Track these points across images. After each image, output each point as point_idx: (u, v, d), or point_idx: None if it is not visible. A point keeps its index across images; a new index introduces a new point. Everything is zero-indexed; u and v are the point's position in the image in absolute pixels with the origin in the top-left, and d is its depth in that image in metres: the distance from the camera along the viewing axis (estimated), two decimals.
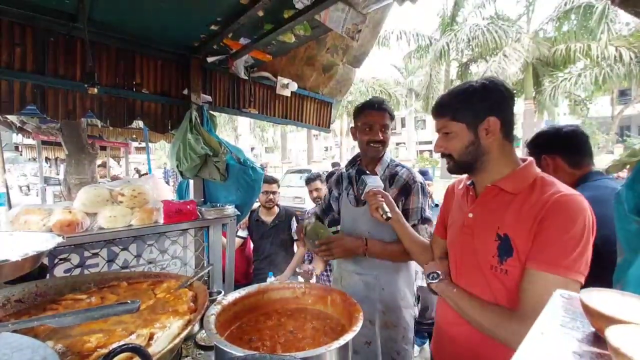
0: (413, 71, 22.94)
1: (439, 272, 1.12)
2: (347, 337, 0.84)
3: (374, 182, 1.45)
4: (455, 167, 1.08)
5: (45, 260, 1.45)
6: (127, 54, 1.98)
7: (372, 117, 1.61)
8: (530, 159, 1.05)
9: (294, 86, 2.63)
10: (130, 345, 0.61)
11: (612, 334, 0.36)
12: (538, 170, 1.00)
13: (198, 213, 1.91)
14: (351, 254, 1.53)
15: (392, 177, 1.63)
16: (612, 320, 0.40)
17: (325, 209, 1.92)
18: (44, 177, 6.24)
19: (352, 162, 1.81)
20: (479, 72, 16.83)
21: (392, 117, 1.65)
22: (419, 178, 1.62)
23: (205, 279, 2.03)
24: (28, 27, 1.64)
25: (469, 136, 1.02)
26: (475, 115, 1.00)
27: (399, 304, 1.58)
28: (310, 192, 3.28)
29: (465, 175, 1.16)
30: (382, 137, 1.60)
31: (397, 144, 35.83)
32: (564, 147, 1.49)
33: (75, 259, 1.59)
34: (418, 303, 1.84)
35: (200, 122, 2.14)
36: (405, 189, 1.59)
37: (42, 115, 1.83)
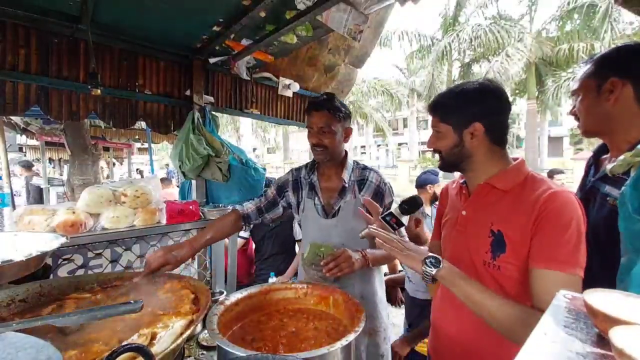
0: (415, 71, 22.89)
1: (439, 257, 0.94)
2: (350, 338, 0.84)
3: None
4: (444, 164, 1.11)
5: (49, 261, 1.45)
6: (130, 56, 1.99)
7: (311, 117, 1.49)
8: (521, 158, 1.05)
9: (295, 87, 2.63)
10: (134, 345, 0.61)
11: (616, 335, 0.36)
12: (529, 169, 1.02)
13: (200, 213, 1.92)
14: (358, 266, 1.36)
15: (360, 182, 1.53)
16: (616, 321, 0.40)
17: (262, 207, 1.66)
18: (47, 177, 6.27)
19: (312, 166, 1.63)
20: (481, 72, 16.77)
21: (338, 118, 1.46)
22: (386, 179, 1.57)
23: (208, 279, 2.03)
24: (32, 29, 1.66)
25: (454, 138, 1.04)
26: (461, 119, 1.02)
27: (378, 309, 1.54)
28: None
29: (458, 175, 1.18)
30: (317, 140, 1.46)
31: (399, 144, 35.76)
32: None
33: (78, 259, 1.60)
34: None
35: (202, 123, 2.15)
36: (378, 193, 1.53)
37: (45, 116, 1.84)
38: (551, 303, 0.52)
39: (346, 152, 1.59)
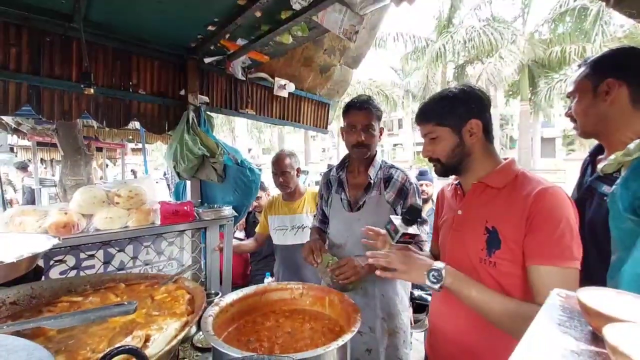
0: (410, 73, 22.97)
1: (438, 268, 0.95)
2: (346, 338, 0.84)
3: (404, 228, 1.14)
4: (443, 169, 1.12)
5: (41, 262, 1.43)
6: (124, 55, 1.97)
7: (355, 117, 1.56)
8: (511, 157, 1.09)
9: (291, 87, 2.63)
10: (127, 347, 0.60)
11: (609, 332, 0.36)
12: (519, 167, 1.06)
13: (195, 214, 1.90)
14: (364, 273, 1.40)
15: (387, 180, 1.60)
16: (609, 319, 0.40)
17: (322, 219, 1.84)
18: (39, 178, 6.18)
19: (342, 164, 1.75)
20: (475, 73, 16.91)
21: (378, 117, 1.57)
22: (413, 179, 1.62)
23: (202, 280, 2.02)
24: (24, 27, 1.63)
25: (454, 139, 1.07)
26: (459, 118, 1.06)
27: (398, 308, 1.56)
28: None
29: (452, 178, 1.21)
30: (363, 139, 1.53)
31: (394, 145, 35.91)
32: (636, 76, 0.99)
33: (70, 260, 1.58)
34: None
35: (197, 123, 2.13)
36: (402, 191, 1.58)
37: (37, 116, 1.82)
38: (545, 301, 0.53)
39: (376, 151, 1.66)
